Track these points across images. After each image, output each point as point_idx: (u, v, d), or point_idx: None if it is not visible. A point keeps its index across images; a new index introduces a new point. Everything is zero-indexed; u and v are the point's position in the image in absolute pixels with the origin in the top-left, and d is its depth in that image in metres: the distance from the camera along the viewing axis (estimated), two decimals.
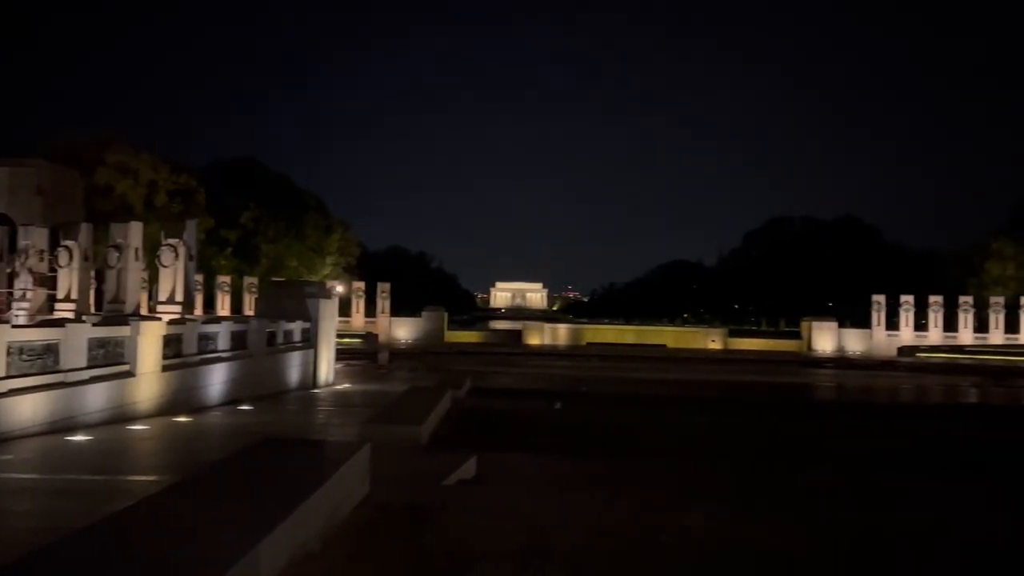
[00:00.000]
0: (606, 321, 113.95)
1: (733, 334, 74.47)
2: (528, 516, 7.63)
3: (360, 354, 44.95)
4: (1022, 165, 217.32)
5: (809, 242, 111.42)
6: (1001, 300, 62.65)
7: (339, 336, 33.22)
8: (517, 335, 69.83)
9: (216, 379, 20.90)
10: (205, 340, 21.21)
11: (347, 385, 28.10)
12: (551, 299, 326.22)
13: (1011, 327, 60.35)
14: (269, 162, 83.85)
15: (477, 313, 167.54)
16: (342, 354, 35.57)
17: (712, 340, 69.24)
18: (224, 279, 61.92)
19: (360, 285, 65.95)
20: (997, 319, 61.07)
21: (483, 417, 17.61)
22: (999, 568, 6.82)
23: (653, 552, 6.73)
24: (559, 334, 70.49)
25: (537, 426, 16.83)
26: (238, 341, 22.81)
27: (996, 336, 60.44)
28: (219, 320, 24.67)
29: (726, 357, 59.07)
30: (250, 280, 61.42)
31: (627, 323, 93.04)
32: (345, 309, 61.74)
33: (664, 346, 66.23)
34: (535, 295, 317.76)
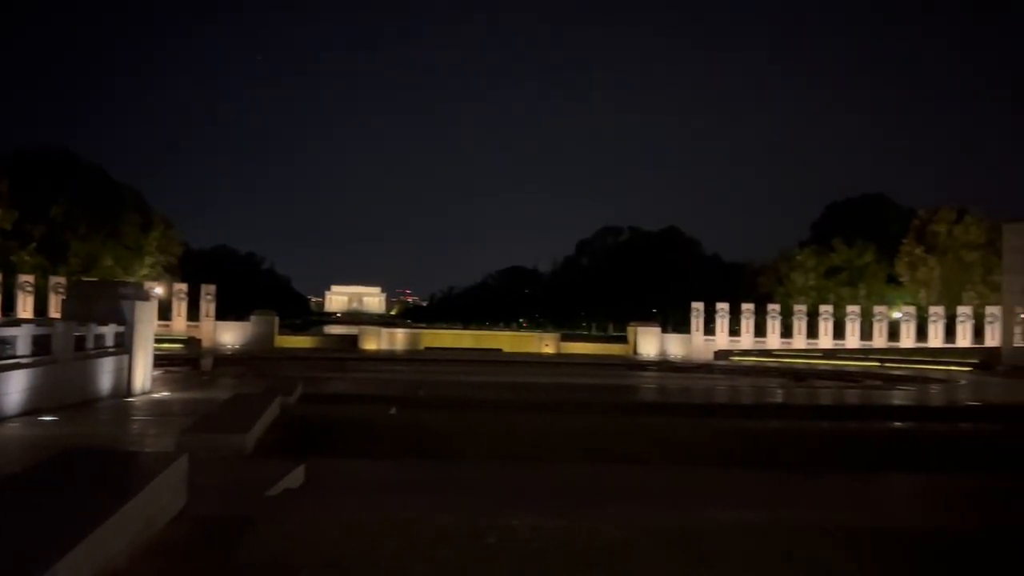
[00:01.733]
0: (444, 325, 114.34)
1: (565, 338, 77.05)
2: (355, 524, 7.49)
3: (182, 360, 42.37)
4: (827, 180, 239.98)
5: (636, 251, 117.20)
6: (804, 308, 68.79)
7: (158, 341, 31.24)
8: (353, 340, 68.62)
9: (14, 387, 19.01)
10: (1, 344, 19.25)
11: (166, 393, 26.43)
12: (390, 303, 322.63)
13: (812, 332, 66.38)
14: (85, 154, 77.29)
15: (311, 317, 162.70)
16: (161, 360, 33.42)
17: (546, 344, 71.29)
18: (27, 278, 56.60)
19: (182, 287, 62.29)
20: (800, 325, 66.95)
21: (314, 424, 17.12)
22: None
23: (479, 555, 6.80)
24: (397, 338, 69.96)
25: (370, 432, 16.56)
26: (41, 346, 20.86)
27: (799, 340, 66.25)
28: (18, 323, 22.46)
29: (558, 360, 60.89)
30: (57, 280, 56.50)
31: (465, 327, 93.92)
32: (166, 312, 58.13)
33: (500, 350, 67.36)
34: (373, 299, 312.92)
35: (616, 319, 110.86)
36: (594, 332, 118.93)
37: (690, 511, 8.99)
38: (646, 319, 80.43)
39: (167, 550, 6.39)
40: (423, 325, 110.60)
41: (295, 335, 73.16)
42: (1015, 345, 55.13)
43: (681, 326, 73.37)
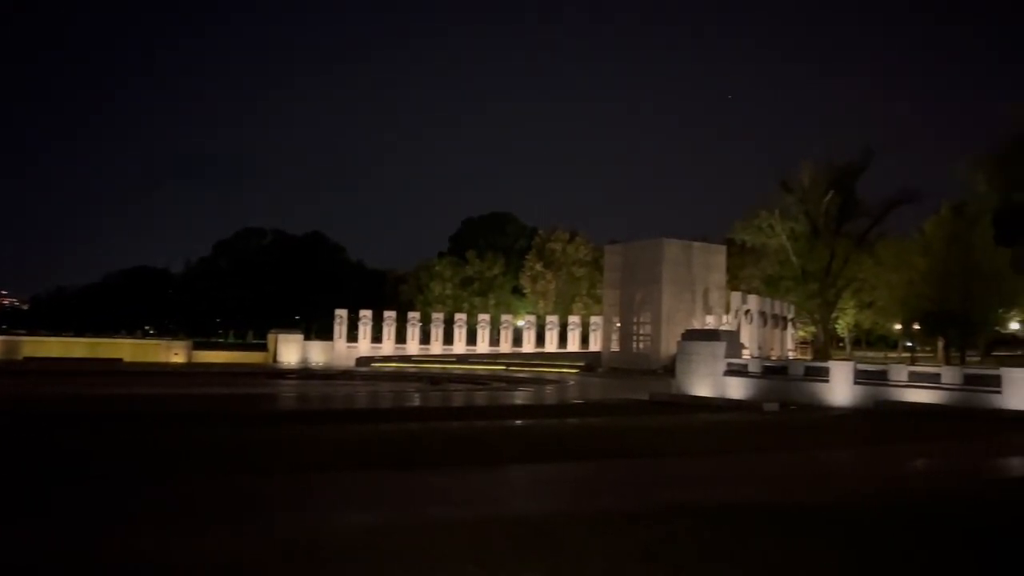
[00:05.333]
0: (47, 333, 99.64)
1: (199, 347, 72.10)
2: None
3: None
4: (464, 193, 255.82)
5: (279, 255, 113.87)
6: (441, 316, 72.48)
7: None
8: None
9: None
10: None
11: None
12: None
13: (448, 339, 70.16)
14: None
15: None
16: None
17: (175, 353, 66.01)
18: None
19: None
20: (437, 332, 70.40)
21: None
22: None
23: None
24: None
25: None
26: None
27: (436, 347, 69.60)
28: None
29: (189, 370, 56.57)
30: None
31: (78, 335, 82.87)
32: None
33: (120, 360, 60.74)
34: None
35: (256, 326, 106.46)
36: (231, 340, 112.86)
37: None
38: (288, 326, 78.46)
39: None
40: (23, 332, 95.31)
41: None
42: (612, 350, 63.92)
43: (324, 333, 72.80)
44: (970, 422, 24.91)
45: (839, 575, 7.58)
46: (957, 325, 55.65)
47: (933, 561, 8.08)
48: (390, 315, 70.02)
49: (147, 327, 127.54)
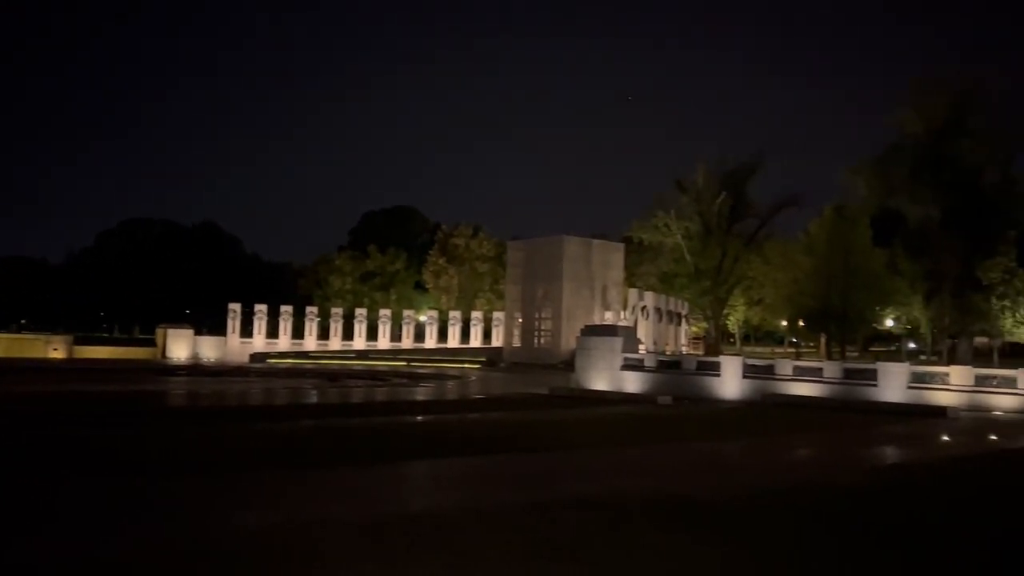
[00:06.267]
0: None
1: (81, 341, 68.43)
2: None
3: None
4: (367, 186, 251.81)
5: (169, 247, 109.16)
6: (340, 311, 71.15)
7: None
8: None
9: None
10: None
11: None
12: None
13: (348, 334, 68.94)
14: None
15: None
16: None
17: (54, 348, 62.43)
18: None
19: None
20: (336, 328, 69.05)
21: None
22: None
23: None
24: None
25: None
26: None
27: (335, 342, 68.28)
28: None
29: (70, 367, 53.47)
30: None
31: None
32: None
33: None
34: None
35: (144, 321, 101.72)
36: (117, 335, 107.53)
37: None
38: (178, 320, 75.32)
39: None
40: None
41: None
42: (514, 345, 64.35)
43: (217, 328, 70.25)
44: (849, 413, 26.37)
45: (720, 561, 7.85)
46: (838, 322, 58.73)
47: (800, 546, 8.47)
48: (287, 310, 68.25)
49: (23, 320, 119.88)
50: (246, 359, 61.83)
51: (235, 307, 66.95)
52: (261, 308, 67.33)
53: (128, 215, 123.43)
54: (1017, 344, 68.01)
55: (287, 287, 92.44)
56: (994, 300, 56.38)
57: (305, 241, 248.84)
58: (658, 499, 10.94)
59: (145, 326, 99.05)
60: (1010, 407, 27.02)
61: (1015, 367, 30.12)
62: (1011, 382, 27.91)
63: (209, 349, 65.32)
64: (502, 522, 9.14)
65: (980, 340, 65.83)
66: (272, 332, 67.26)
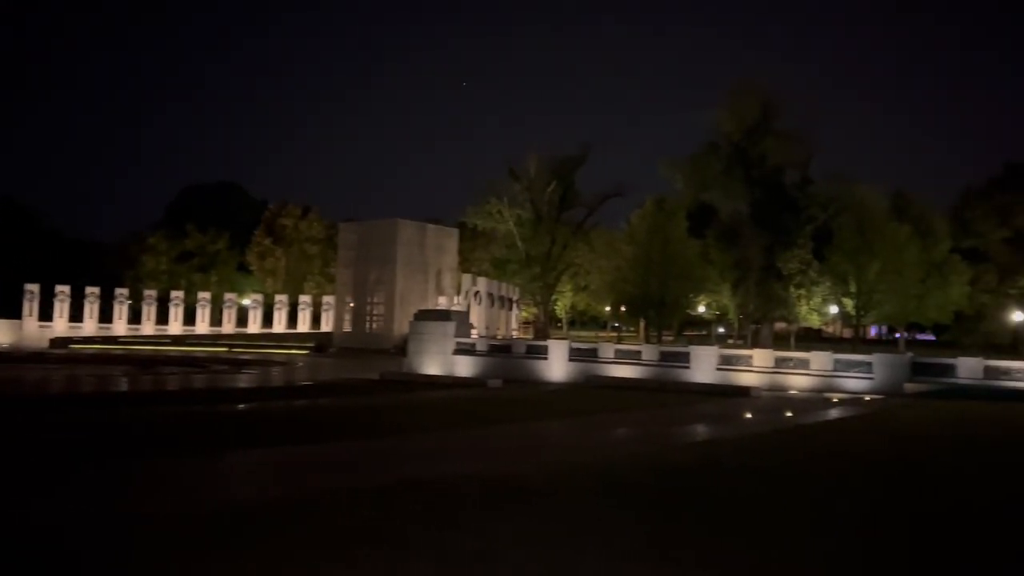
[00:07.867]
0: None
1: None
2: None
3: None
4: (186, 160, 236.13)
5: None
6: (154, 293, 66.62)
7: None
8: None
9: None
10: None
11: None
12: None
13: (162, 318, 64.70)
14: None
15: None
16: None
17: None
18: None
19: None
20: (150, 311, 64.63)
21: None
22: None
23: None
24: None
25: None
26: None
27: (148, 327, 63.91)
28: None
29: None
30: None
31: None
32: None
33: None
34: None
35: None
36: None
37: None
38: None
39: None
40: None
41: None
42: (345, 330, 63.04)
43: (10, 311, 63.66)
44: (664, 394, 28.01)
45: (542, 536, 8.05)
46: (656, 308, 62.11)
47: (620, 520, 8.89)
48: (93, 291, 63.03)
49: None
50: (45, 344, 56.59)
51: (32, 288, 61.10)
52: (63, 289, 61.84)
53: None
54: (811, 329, 75.30)
55: (94, 267, 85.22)
56: (792, 289, 61.89)
57: (122, 220, 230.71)
58: (484, 479, 11.07)
59: None
60: (804, 386, 29.82)
61: (808, 350, 33.26)
62: (805, 364, 30.83)
63: (3, 333, 59.24)
64: (328, 511, 8.88)
65: (780, 325, 72.06)
66: (76, 316, 61.96)
